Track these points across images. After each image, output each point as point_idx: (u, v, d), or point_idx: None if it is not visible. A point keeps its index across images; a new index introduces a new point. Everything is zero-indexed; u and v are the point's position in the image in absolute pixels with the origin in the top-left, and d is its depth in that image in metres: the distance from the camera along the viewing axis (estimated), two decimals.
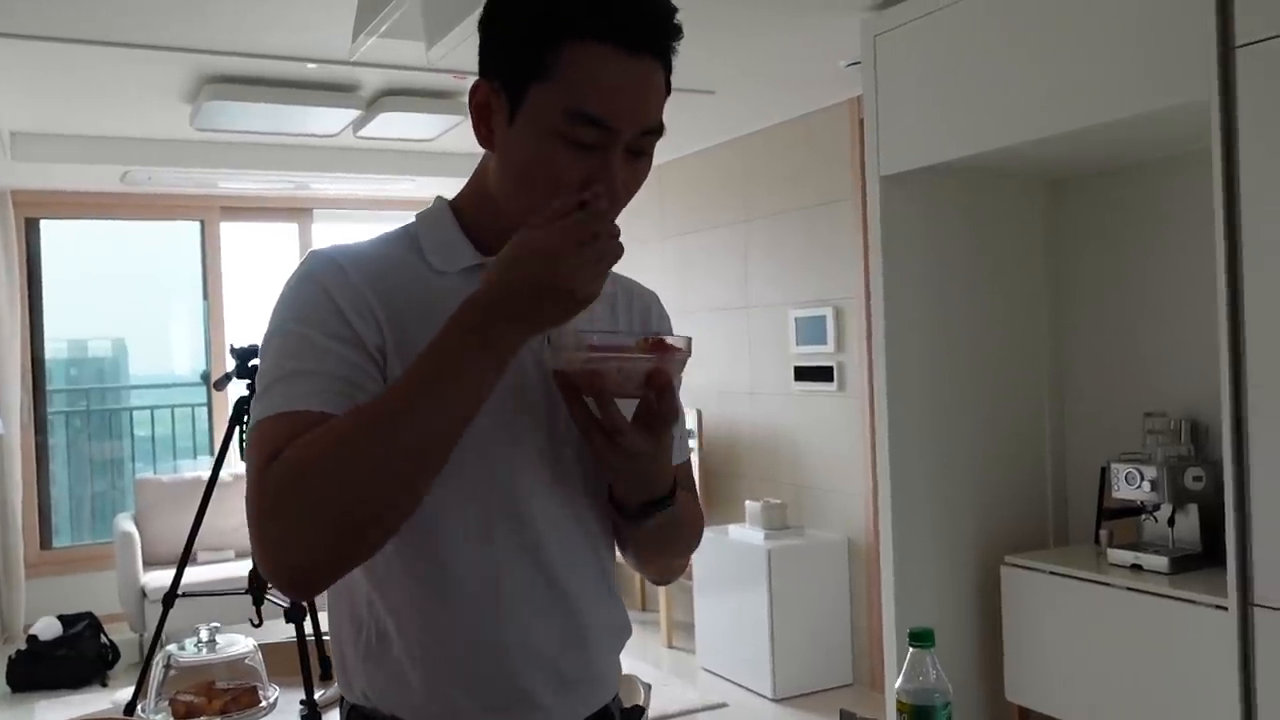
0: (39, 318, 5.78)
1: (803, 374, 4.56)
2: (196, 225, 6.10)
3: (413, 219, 1.14)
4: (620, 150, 1.01)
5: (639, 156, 1.05)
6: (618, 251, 0.96)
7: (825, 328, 4.42)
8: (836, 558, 4.38)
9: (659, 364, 1.01)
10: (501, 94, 1.02)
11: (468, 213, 1.12)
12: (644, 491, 1.11)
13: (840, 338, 4.38)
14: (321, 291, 1.02)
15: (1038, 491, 3.35)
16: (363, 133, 4.44)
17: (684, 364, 1.04)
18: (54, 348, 5.97)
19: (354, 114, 4.22)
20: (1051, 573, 2.93)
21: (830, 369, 4.40)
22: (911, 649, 1.17)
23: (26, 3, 2.88)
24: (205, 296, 6.10)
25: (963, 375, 3.22)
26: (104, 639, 4.99)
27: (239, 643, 2.55)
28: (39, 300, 5.79)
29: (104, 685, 4.76)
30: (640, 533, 1.15)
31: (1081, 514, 3.29)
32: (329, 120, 4.33)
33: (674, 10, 1.04)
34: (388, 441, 0.91)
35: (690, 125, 4.64)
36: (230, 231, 6.15)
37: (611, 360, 1.00)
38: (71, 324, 6.09)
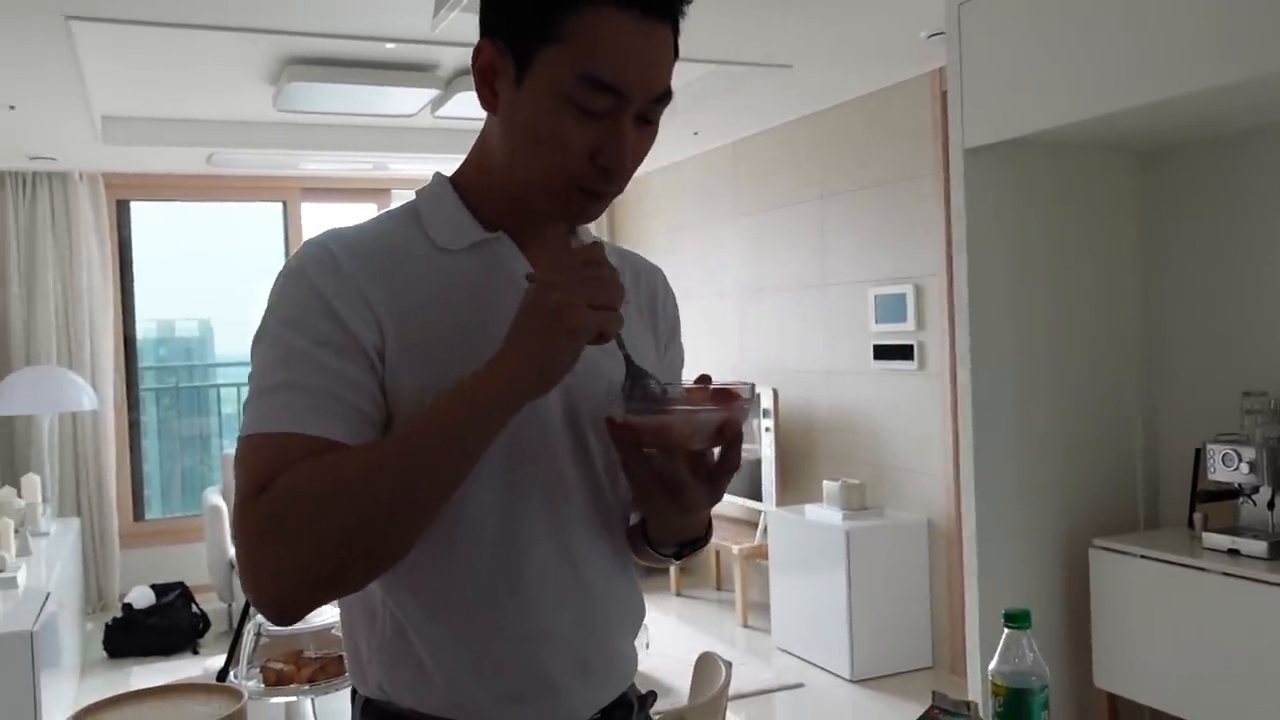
0: (130, 298, 5.96)
1: (882, 352, 4.49)
2: (279, 206, 6.22)
3: (413, 196, 1.12)
4: (630, 118, 0.99)
5: (647, 124, 1.02)
6: (609, 324, 0.93)
7: (905, 305, 4.34)
8: (916, 539, 4.32)
9: (729, 414, 0.96)
10: (508, 56, 0.99)
11: (469, 187, 1.08)
12: (684, 534, 1.11)
13: (920, 315, 4.30)
14: (311, 290, 0.97)
15: (1128, 473, 3.26)
16: (440, 112, 4.47)
17: (749, 412, 1.00)
18: (144, 328, 6.15)
19: (432, 94, 4.25)
20: (1143, 556, 2.85)
21: (910, 347, 4.33)
22: (1007, 630, 1.14)
23: None
24: None
25: (1050, 353, 3.14)
26: (195, 608, 5.15)
27: (326, 613, 2.60)
28: (130, 281, 5.96)
29: (194, 653, 4.91)
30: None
31: (1174, 496, 3.19)
32: (407, 100, 4.37)
33: None
34: (386, 494, 0.90)
35: (766, 101, 4.58)
36: (311, 212, 6.25)
37: (680, 413, 0.95)
38: (160, 304, 6.26)
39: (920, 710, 1.18)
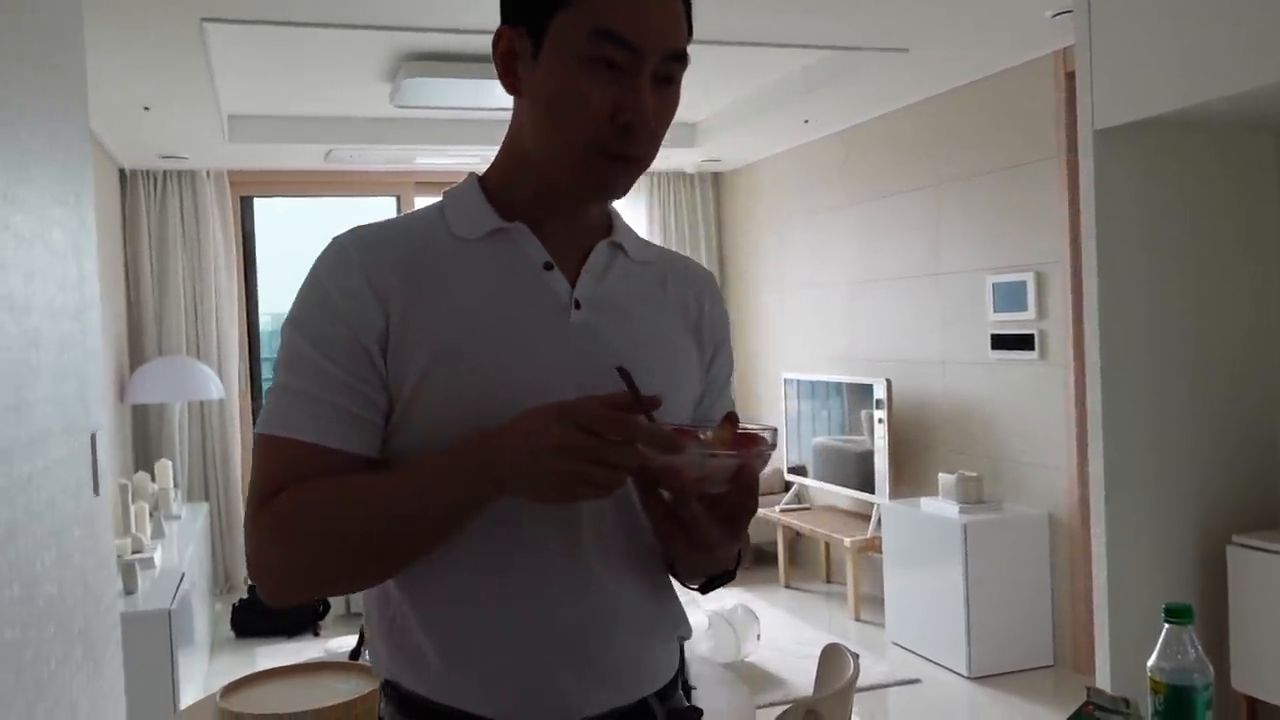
0: (253, 290, 6.17)
1: (1000, 342, 4.38)
2: (393, 200, 6.36)
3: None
4: (647, 75, 0.99)
5: (667, 84, 1.02)
6: (609, 483, 0.91)
7: (1025, 294, 4.23)
8: (1037, 534, 4.21)
9: (744, 460, 0.95)
10: (525, 35, 1.02)
11: (494, 182, 1.11)
12: (708, 570, 1.11)
13: (1042, 304, 4.18)
14: (320, 290, 1.03)
15: (1269, 466, 3.11)
16: None
17: (769, 458, 0.98)
18: (262, 320, 6.36)
19: None
20: None
21: (1031, 337, 4.21)
22: (1167, 625, 1.10)
23: None
24: None
25: (1185, 341, 3.02)
26: None
27: None
28: (253, 274, 6.17)
29: (316, 635, 5.07)
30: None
31: None
32: None
33: None
34: (370, 536, 0.98)
35: (880, 86, 4.50)
36: (424, 205, 6.37)
37: (694, 456, 0.94)
38: (276, 298, 6.46)
39: (1041, 708, 1.14)
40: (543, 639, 1.03)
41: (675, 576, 1.13)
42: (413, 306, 1.02)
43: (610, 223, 1.15)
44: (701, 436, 0.96)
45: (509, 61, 1.05)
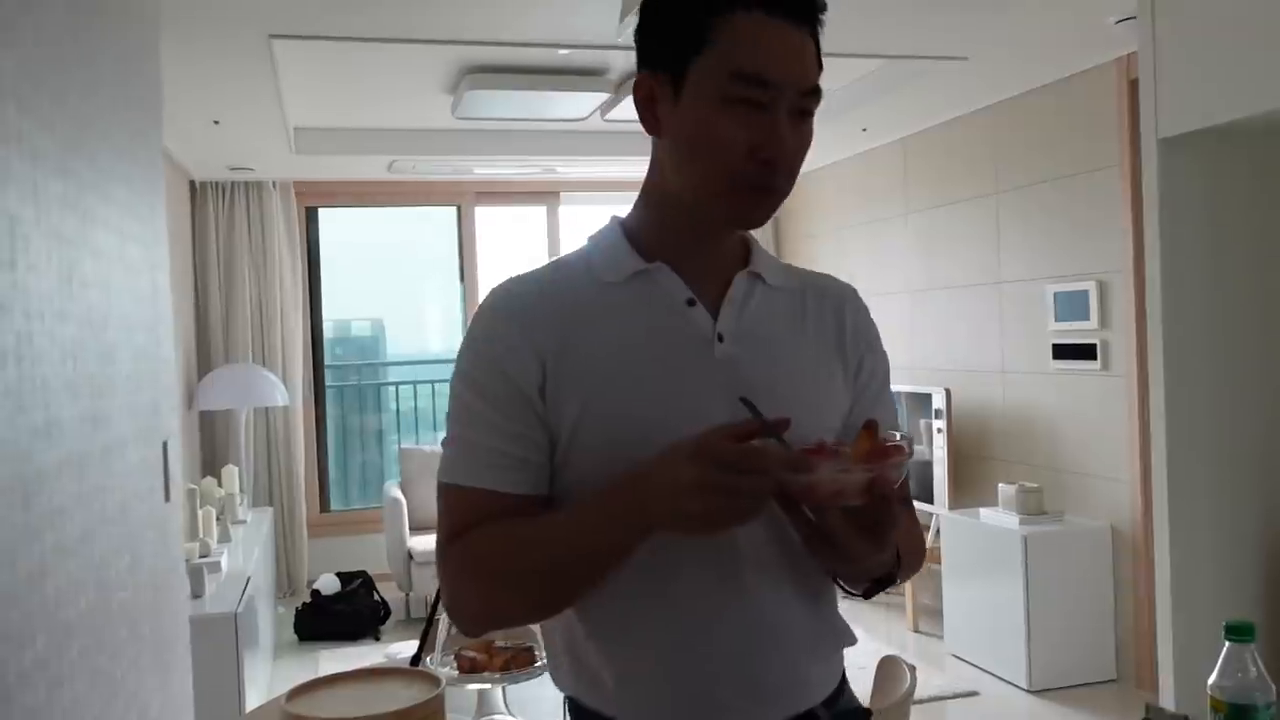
0: (317, 299, 6.29)
1: (1062, 352, 4.32)
2: (453, 210, 6.44)
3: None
4: (784, 110, 1.04)
5: (804, 118, 1.07)
6: (750, 511, 0.95)
7: (1088, 303, 4.17)
8: (1099, 546, 4.14)
9: (879, 473, 0.97)
10: (665, 79, 1.07)
11: (635, 225, 1.16)
12: (866, 576, 1.12)
13: (1104, 314, 4.12)
14: (481, 345, 1.10)
15: None
16: (610, 115, 4.54)
17: (905, 466, 1.00)
18: (325, 327, 6.47)
19: (602, 97, 4.33)
20: None
21: (1093, 346, 4.15)
22: (1228, 643, 1.09)
23: (311, 7, 3.12)
24: (462, 278, 6.44)
25: (1249, 354, 2.96)
26: (376, 596, 5.39)
27: None
28: (317, 283, 6.29)
29: (376, 639, 5.14)
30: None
31: None
32: (579, 105, 4.46)
33: None
34: (540, 576, 1.06)
35: (939, 94, 4.47)
36: (484, 215, 6.46)
37: (827, 471, 0.96)
38: (338, 305, 6.57)
39: None
40: (705, 663, 1.08)
41: (838, 583, 1.16)
42: (565, 353, 1.08)
43: (748, 253, 1.19)
44: (837, 452, 0.99)
45: (650, 105, 1.10)
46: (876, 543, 1.02)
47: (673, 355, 1.10)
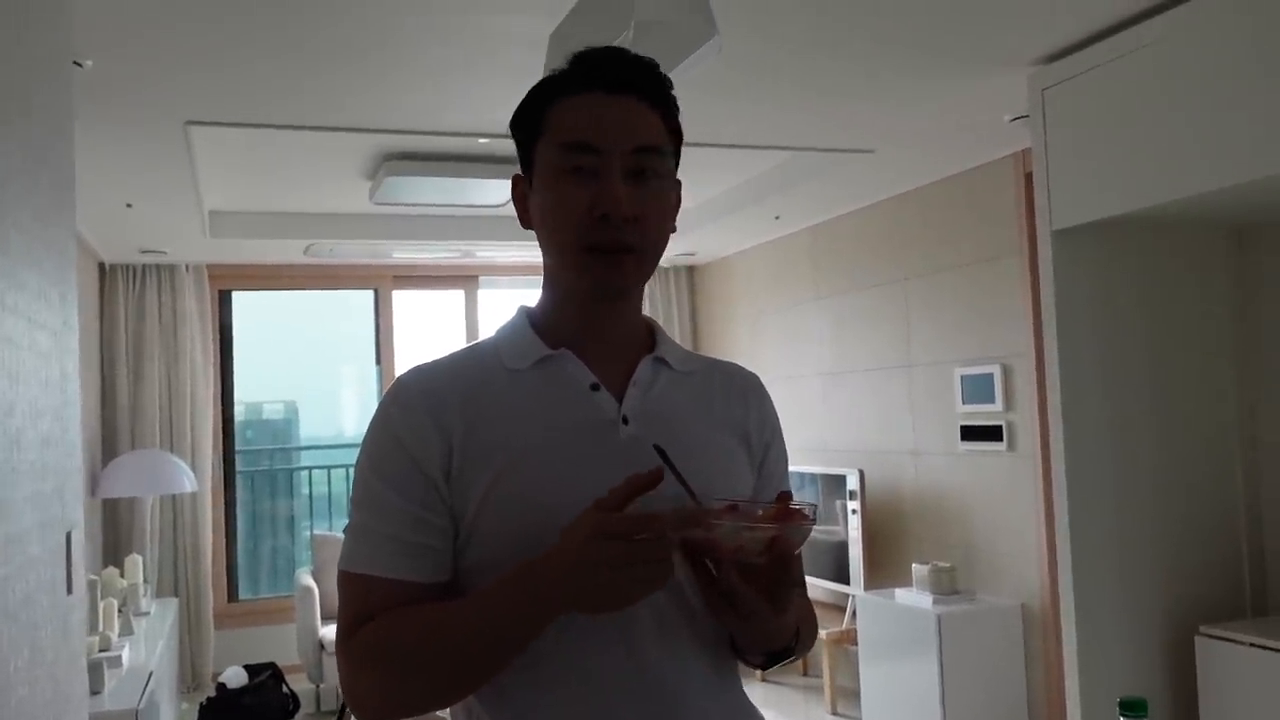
0: (229, 383, 6.18)
1: (970, 433, 4.45)
2: (370, 294, 6.42)
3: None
4: (617, 170, 1.10)
5: (642, 177, 1.11)
6: (656, 577, 0.97)
7: (993, 386, 4.31)
8: (1010, 624, 4.22)
9: (780, 533, 1.01)
10: (525, 174, 1.17)
11: (539, 313, 1.21)
12: (765, 644, 1.14)
13: (1009, 396, 4.26)
14: (386, 430, 1.12)
15: (1233, 556, 3.17)
16: None
17: (808, 533, 1.03)
18: (237, 411, 6.35)
19: None
20: (1253, 645, 2.76)
21: (999, 428, 4.29)
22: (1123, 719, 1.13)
23: (230, 93, 3.14)
24: (378, 361, 6.40)
25: (1145, 433, 3.09)
26: (285, 688, 5.21)
27: None
28: (230, 366, 6.19)
29: None
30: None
31: None
32: (496, 191, 4.51)
33: (652, 63, 1.16)
34: (445, 663, 1.05)
35: (847, 185, 4.64)
36: (401, 299, 6.45)
37: (729, 527, 1.00)
38: (250, 388, 6.46)
39: None
40: None
41: (739, 656, 1.17)
42: (471, 436, 1.10)
43: (653, 339, 1.23)
44: (740, 509, 1.02)
45: (520, 200, 1.19)
46: (774, 604, 1.05)
47: (577, 439, 1.12)
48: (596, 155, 1.09)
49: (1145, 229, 3.09)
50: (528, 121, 1.16)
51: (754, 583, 1.03)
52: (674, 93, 1.17)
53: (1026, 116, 3.22)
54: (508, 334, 1.20)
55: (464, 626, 1.05)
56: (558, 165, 1.11)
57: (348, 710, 1.78)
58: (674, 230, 1.20)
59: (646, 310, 1.29)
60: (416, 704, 1.10)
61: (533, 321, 1.20)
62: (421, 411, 1.10)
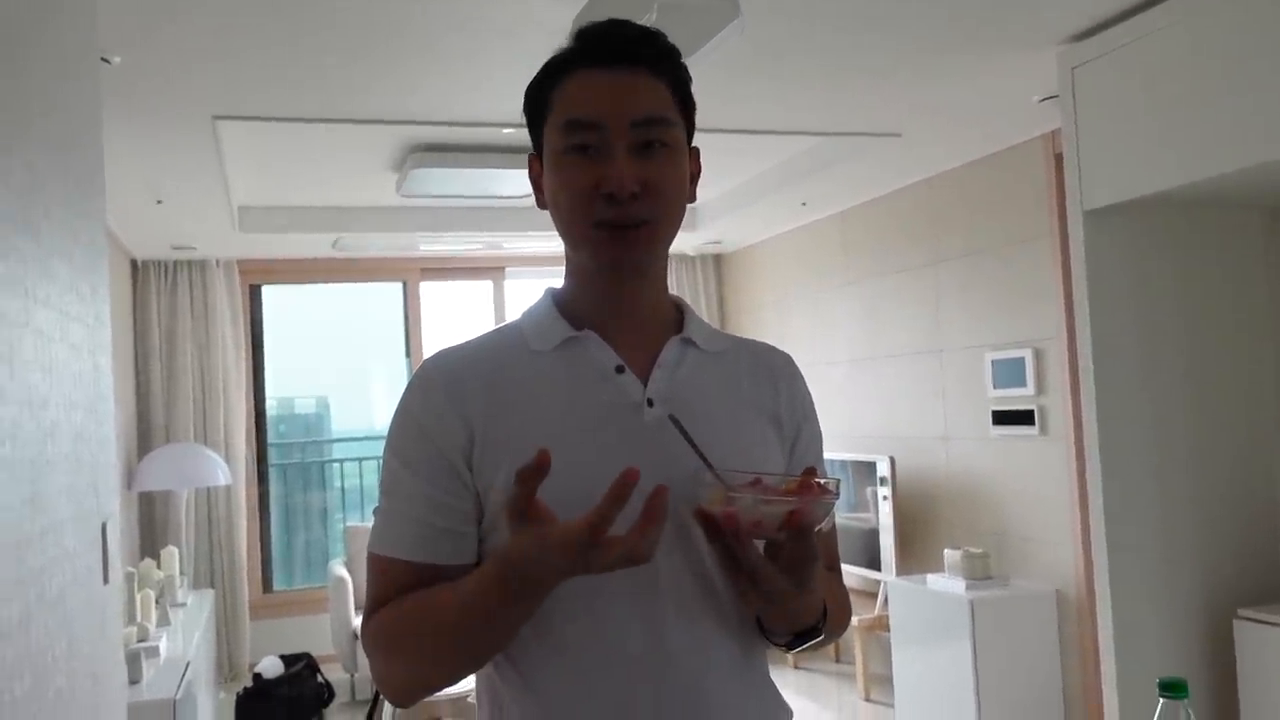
0: (261, 377, 6.23)
1: (1001, 418, 4.41)
2: (399, 286, 6.45)
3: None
4: (621, 146, 1.08)
5: (649, 149, 1.10)
6: (599, 563, 0.95)
7: (1024, 370, 4.27)
8: (1044, 610, 4.19)
9: (799, 506, 0.99)
10: (538, 156, 1.17)
11: (563, 295, 1.20)
12: (790, 624, 1.12)
13: (1041, 380, 4.22)
14: (408, 415, 1.13)
15: (1271, 538, 3.13)
16: None
17: (830, 508, 1.01)
18: (269, 405, 6.40)
19: None
20: None
21: (1031, 412, 4.25)
22: (1163, 700, 1.11)
23: (257, 88, 3.15)
24: (408, 353, 6.43)
25: (1182, 415, 3.05)
26: (320, 678, 5.26)
27: (462, 683, 2.63)
28: (261, 360, 6.24)
29: None
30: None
31: None
32: (521, 182, 4.52)
33: (654, 32, 1.14)
34: (446, 647, 1.06)
35: (875, 169, 4.60)
36: (429, 291, 6.47)
37: (748, 500, 0.99)
38: (282, 382, 6.52)
39: None
40: None
41: (765, 637, 1.16)
42: (494, 421, 1.10)
43: (682, 319, 1.21)
44: (762, 483, 1.01)
45: (536, 182, 1.18)
46: (795, 581, 1.04)
47: (601, 422, 1.10)
48: (599, 131, 1.08)
49: (1178, 208, 3.05)
50: (534, 103, 1.16)
51: (777, 559, 1.03)
52: (684, 61, 1.16)
53: (1055, 97, 3.19)
54: (533, 316, 1.19)
55: (458, 606, 1.04)
56: (562, 144, 1.10)
57: (381, 698, 1.79)
58: (692, 200, 1.17)
59: None
60: (429, 679, 1.11)
61: (558, 303, 1.19)
62: (443, 397, 1.11)
